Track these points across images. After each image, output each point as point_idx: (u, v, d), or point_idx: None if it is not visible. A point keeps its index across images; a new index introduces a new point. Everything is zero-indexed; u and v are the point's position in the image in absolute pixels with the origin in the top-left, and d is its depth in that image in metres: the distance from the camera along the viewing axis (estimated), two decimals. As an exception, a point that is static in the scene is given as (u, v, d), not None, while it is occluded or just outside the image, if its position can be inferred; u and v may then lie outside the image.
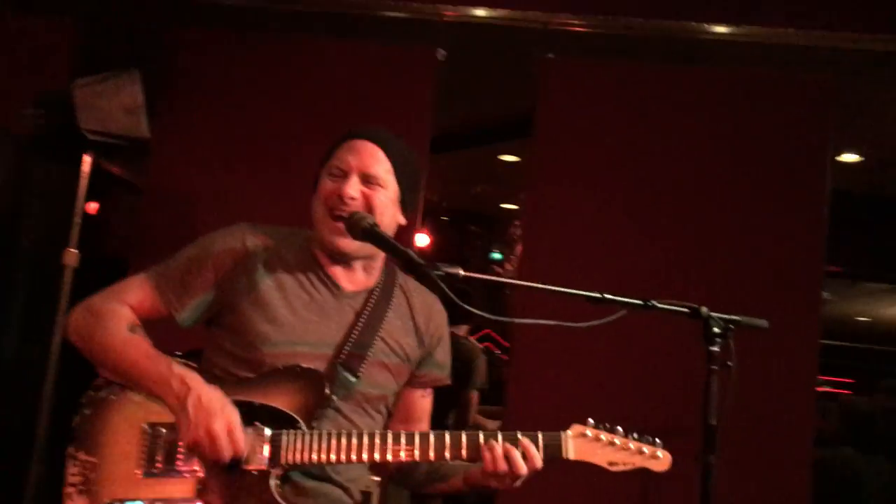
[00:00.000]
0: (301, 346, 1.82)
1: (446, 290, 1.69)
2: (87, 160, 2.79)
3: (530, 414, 3.11)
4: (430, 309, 2.04)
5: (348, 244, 1.83)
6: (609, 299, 1.86)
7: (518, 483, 1.76)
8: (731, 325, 1.85)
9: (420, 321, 1.99)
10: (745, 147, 3.25)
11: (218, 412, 1.67)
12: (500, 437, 1.77)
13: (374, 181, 1.85)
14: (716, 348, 1.82)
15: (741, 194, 3.22)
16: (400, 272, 2.03)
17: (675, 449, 1.91)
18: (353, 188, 1.84)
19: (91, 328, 1.79)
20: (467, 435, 1.78)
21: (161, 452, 1.73)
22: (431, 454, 1.76)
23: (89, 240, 2.85)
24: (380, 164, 1.87)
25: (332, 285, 1.89)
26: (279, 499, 1.71)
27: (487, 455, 1.74)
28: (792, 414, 3.02)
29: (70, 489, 1.70)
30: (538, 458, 1.76)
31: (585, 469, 1.83)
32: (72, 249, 2.80)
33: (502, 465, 1.73)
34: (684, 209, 3.23)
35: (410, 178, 1.95)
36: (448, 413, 4.30)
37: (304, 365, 1.80)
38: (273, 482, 1.72)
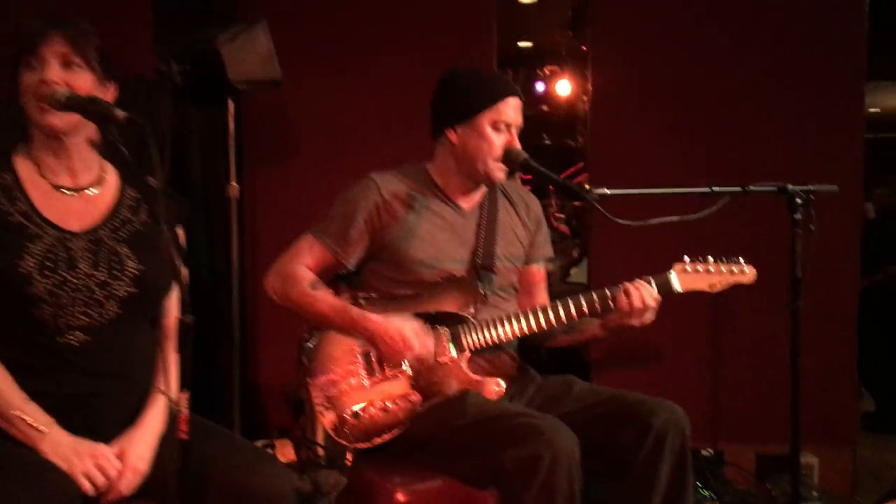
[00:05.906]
0: (447, 262, 2.33)
1: (602, 209, 2.18)
2: (231, 104, 3.20)
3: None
4: (526, 199, 2.53)
5: (504, 177, 2.35)
6: (717, 192, 2.31)
7: (651, 316, 2.24)
8: (811, 196, 2.33)
9: (522, 212, 2.49)
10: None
11: (398, 339, 2.16)
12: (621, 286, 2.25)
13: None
14: (798, 215, 2.31)
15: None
16: None
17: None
18: (517, 142, 2.33)
19: (284, 290, 2.30)
20: (595, 293, 2.26)
21: (376, 364, 2.27)
22: (574, 313, 2.26)
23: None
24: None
25: (454, 206, 2.39)
26: (471, 374, 2.27)
27: (623, 299, 2.22)
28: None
29: (319, 408, 2.22)
30: (654, 291, 2.23)
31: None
32: (233, 184, 3.25)
33: (638, 304, 2.20)
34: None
35: None
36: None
37: (456, 274, 2.32)
38: (463, 364, 2.28)
